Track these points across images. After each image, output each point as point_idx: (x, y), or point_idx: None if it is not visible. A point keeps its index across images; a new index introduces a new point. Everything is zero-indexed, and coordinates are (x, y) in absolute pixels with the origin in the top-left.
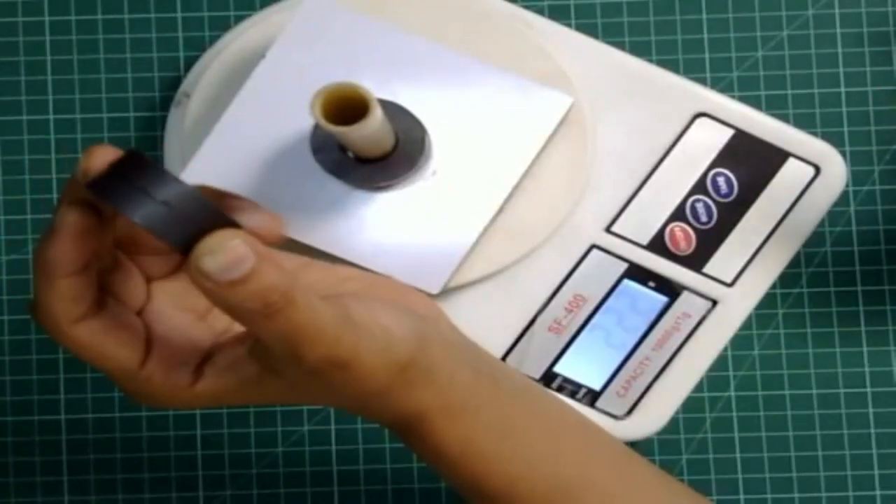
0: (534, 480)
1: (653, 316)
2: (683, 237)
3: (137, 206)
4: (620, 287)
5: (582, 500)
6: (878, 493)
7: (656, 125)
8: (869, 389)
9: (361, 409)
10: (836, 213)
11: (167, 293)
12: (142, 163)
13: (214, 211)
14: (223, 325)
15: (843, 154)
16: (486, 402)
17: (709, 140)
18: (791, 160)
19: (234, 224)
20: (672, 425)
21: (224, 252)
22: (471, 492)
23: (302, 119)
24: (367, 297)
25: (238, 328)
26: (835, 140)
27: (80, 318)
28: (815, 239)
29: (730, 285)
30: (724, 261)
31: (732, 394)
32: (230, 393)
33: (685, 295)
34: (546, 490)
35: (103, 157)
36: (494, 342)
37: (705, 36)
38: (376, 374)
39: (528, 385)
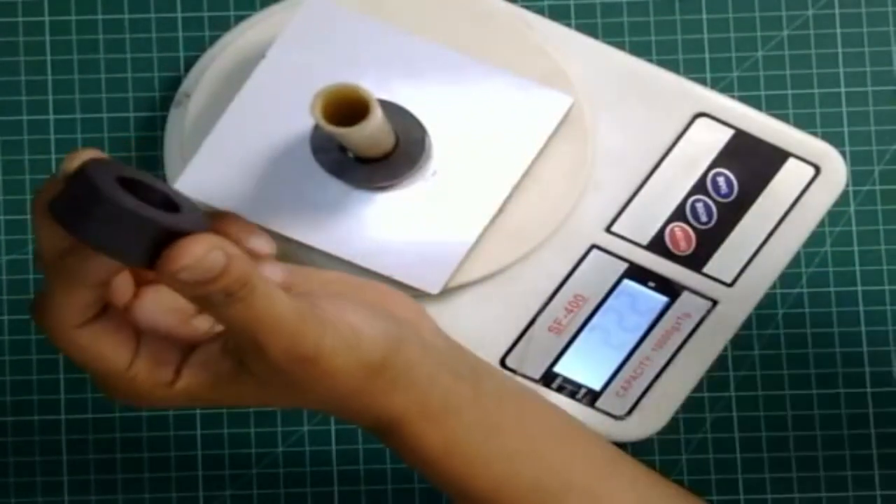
0: (518, 482)
1: (653, 316)
2: (683, 237)
3: (89, 232)
4: (620, 287)
5: (566, 501)
6: (878, 493)
7: (656, 125)
8: (869, 389)
9: (338, 410)
10: (836, 213)
11: (155, 295)
12: (88, 183)
13: (164, 226)
14: (206, 326)
15: (843, 154)
16: (468, 404)
17: (709, 140)
18: (791, 160)
19: (184, 231)
20: (672, 425)
21: (201, 266)
22: (455, 494)
23: (302, 119)
24: (338, 297)
25: (218, 328)
26: (835, 140)
27: (85, 323)
28: (815, 239)
29: (730, 285)
30: (724, 261)
31: (732, 394)
32: (206, 391)
33: (685, 295)
34: (530, 491)
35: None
36: (494, 342)
37: (705, 36)
38: (344, 373)
39: (512, 387)
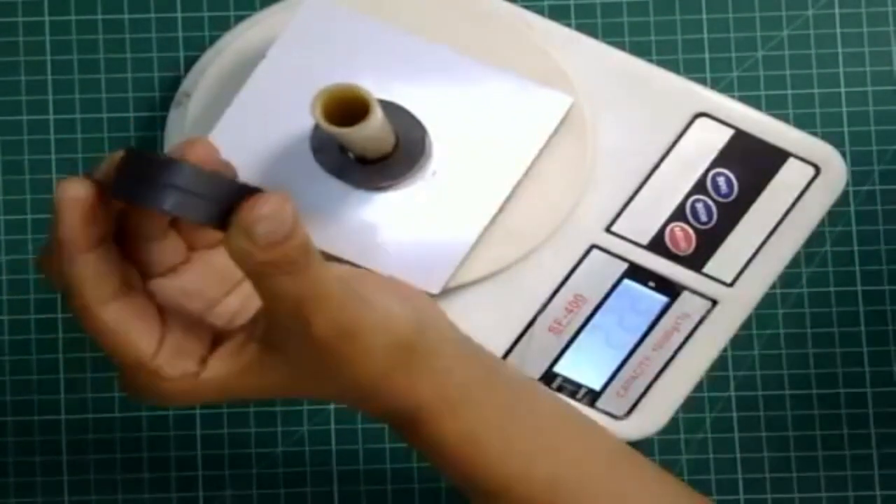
0: (532, 475)
1: (653, 316)
2: (683, 237)
3: (167, 200)
4: (620, 287)
5: (580, 495)
6: (877, 493)
7: (656, 125)
8: (869, 389)
9: (360, 399)
10: (836, 213)
11: (174, 286)
12: (152, 160)
13: (237, 184)
14: (225, 319)
15: (843, 154)
16: (484, 396)
17: (709, 140)
18: (791, 160)
19: (257, 189)
20: (672, 425)
21: (278, 217)
22: (469, 488)
23: (302, 119)
24: (372, 283)
25: (240, 321)
26: (835, 140)
27: (110, 299)
28: (815, 239)
29: (730, 285)
30: (724, 261)
31: (732, 394)
32: (233, 380)
33: (685, 295)
34: (544, 485)
35: (77, 191)
36: (494, 342)
37: (705, 36)
38: (378, 352)
39: (525, 381)
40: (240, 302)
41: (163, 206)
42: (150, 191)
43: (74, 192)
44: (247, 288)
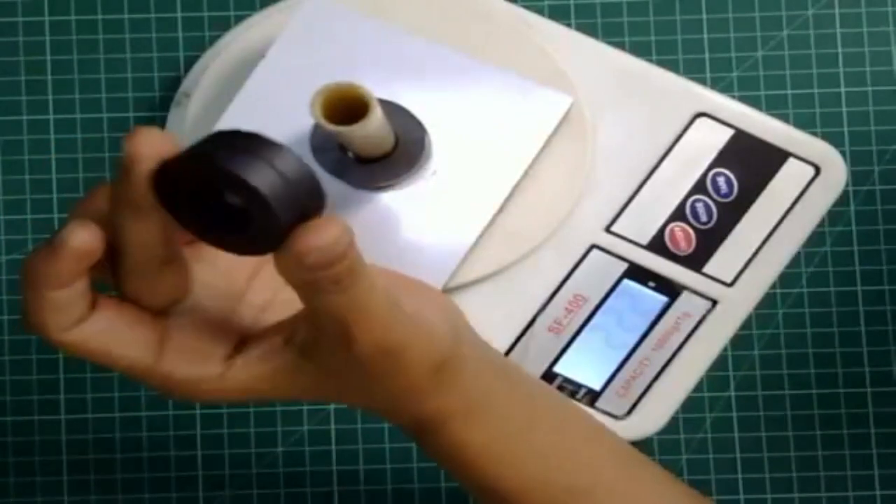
0: (550, 480)
1: (653, 316)
2: (683, 237)
3: (259, 175)
4: (620, 287)
5: (594, 498)
6: (877, 493)
7: (656, 125)
8: (869, 389)
9: (387, 407)
10: (836, 213)
11: (195, 286)
12: (252, 135)
13: (320, 189)
14: (251, 316)
15: (843, 154)
16: (505, 401)
17: (709, 140)
18: (791, 160)
19: (321, 198)
20: (672, 425)
21: (337, 245)
22: (485, 493)
23: (302, 119)
24: (410, 292)
25: (269, 319)
26: (835, 140)
27: (71, 326)
28: (815, 239)
29: (730, 285)
30: (724, 261)
31: (732, 394)
32: (262, 383)
33: (685, 295)
34: (560, 489)
35: (153, 143)
36: (494, 342)
37: (705, 36)
38: (417, 368)
39: (537, 383)
40: (268, 295)
41: (258, 184)
42: (250, 165)
43: (81, 241)
44: (270, 277)
